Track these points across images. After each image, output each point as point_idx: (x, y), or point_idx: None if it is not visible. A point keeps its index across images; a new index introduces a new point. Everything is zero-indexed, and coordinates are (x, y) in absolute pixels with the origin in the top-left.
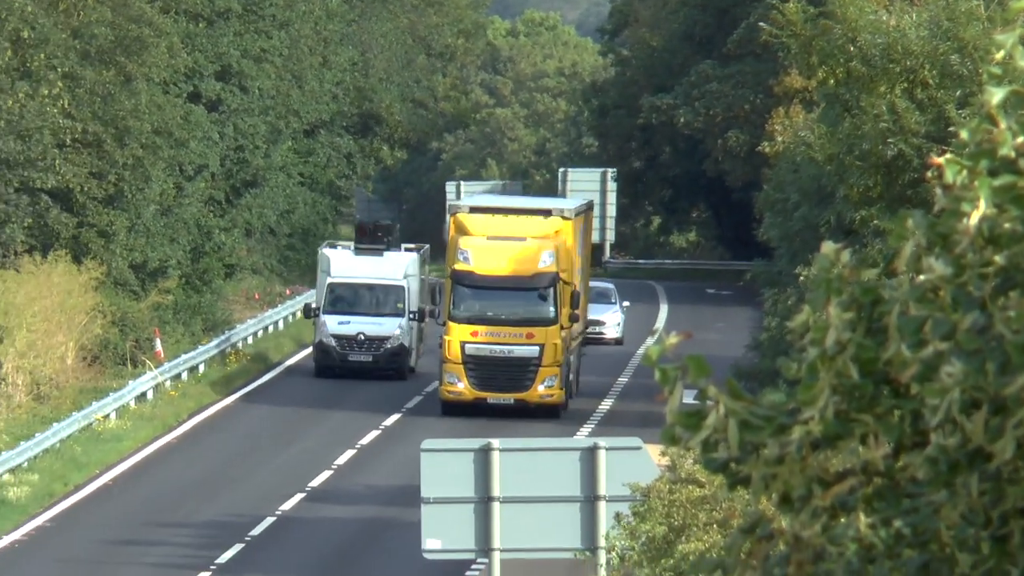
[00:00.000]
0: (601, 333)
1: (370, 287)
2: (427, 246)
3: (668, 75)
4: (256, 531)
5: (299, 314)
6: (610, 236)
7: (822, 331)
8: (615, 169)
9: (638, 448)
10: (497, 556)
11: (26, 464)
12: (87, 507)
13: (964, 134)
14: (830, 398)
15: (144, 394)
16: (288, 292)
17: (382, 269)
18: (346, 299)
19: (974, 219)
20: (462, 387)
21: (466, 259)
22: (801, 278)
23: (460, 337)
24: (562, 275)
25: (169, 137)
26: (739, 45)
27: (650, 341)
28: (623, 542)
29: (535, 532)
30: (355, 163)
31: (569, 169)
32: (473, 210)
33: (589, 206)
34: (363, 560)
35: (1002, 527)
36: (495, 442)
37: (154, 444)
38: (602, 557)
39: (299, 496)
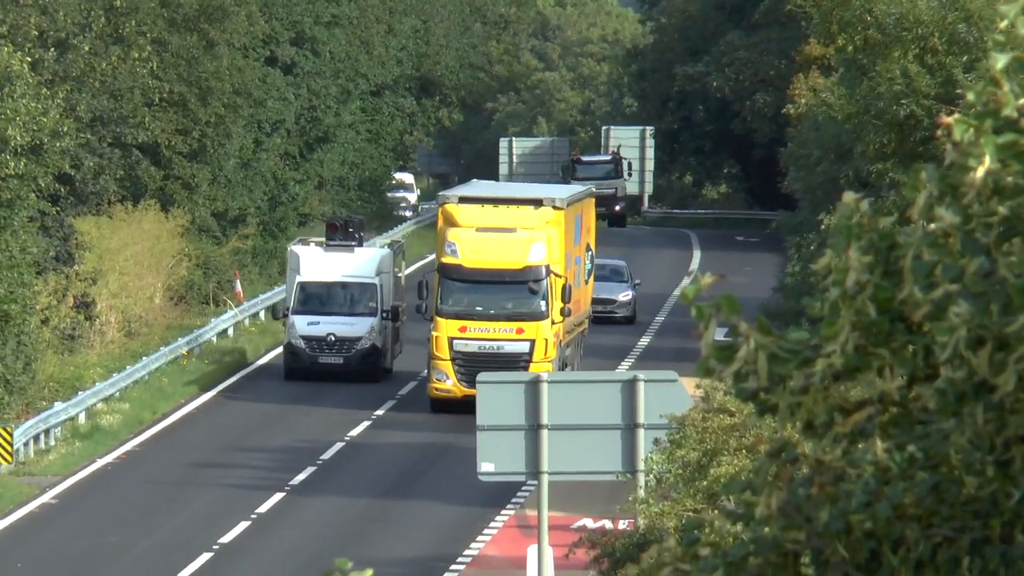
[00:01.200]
0: (612, 312)
1: (342, 286)
2: (402, 241)
3: (701, 40)
4: (327, 455)
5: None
6: (648, 188)
7: (843, 273)
8: (653, 127)
9: (674, 381)
10: (545, 478)
11: (118, 394)
12: (173, 433)
13: (971, 96)
14: (850, 334)
15: (225, 331)
16: None
17: (354, 267)
18: (317, 298)
19: (980, 173)
20: (450, 384)
21: (454, 252)
22: (824, 225)
23: (448, 333)
24: (553, 267)
25: (248, 97)
26: (765, 15)
27: (686, 282)
28: (661, 466)
29: (580, 456)
30: (416, 121)
31: (611, 127)
32: (462, 200)
33: (589, 193)
34: (424, 481)
35: (1005, 452)
36: (544, 375)
37: (234, 376)
38: (641, 479)
39: (366, 423)
